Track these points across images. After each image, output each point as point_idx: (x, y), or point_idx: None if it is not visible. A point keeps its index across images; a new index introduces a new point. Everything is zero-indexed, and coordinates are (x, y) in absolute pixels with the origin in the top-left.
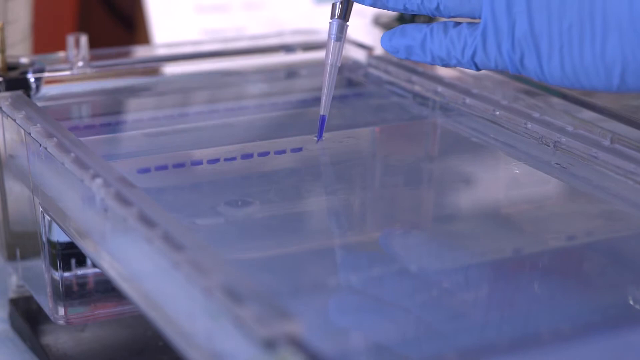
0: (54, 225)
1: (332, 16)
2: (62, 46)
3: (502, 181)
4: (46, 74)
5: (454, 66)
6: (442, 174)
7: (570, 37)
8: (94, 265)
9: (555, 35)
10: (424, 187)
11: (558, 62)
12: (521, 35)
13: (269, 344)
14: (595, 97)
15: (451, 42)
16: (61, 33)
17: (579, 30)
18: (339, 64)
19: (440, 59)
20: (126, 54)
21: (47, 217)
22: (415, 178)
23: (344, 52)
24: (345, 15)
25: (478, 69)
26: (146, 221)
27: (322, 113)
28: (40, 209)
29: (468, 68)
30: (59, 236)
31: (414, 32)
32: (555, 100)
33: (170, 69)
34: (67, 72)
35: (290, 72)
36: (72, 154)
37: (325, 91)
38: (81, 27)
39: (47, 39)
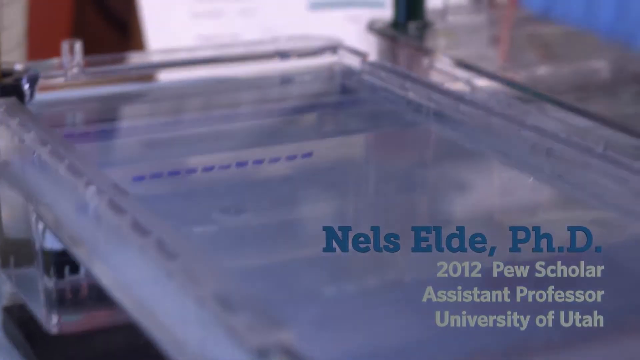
0: (48, 233)
1: None
2: (57, 52)
3: (496, 188)
4: (40, 81)
5: None
6: (436, 180)
7: None
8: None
9: None
10: (418, 194)
11: None
12: None
13: (262, 353)
14: (589, 104)
15: None
16: (56, 39)
17: None
18: None
19: None
20: (121, 61)
21: (40, 225)
22: (409, 185)
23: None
24: None
25: None
26: (139, 229)
27: None
28: (34, 216)
29: None
30: (52, 244)
31: None
32: (549, 107)
33: (165, 76)
34: (62, 79)
35: (285, 78)
36: (66, 161)
37: None
38: (76, 33)
39: (41, 45)
